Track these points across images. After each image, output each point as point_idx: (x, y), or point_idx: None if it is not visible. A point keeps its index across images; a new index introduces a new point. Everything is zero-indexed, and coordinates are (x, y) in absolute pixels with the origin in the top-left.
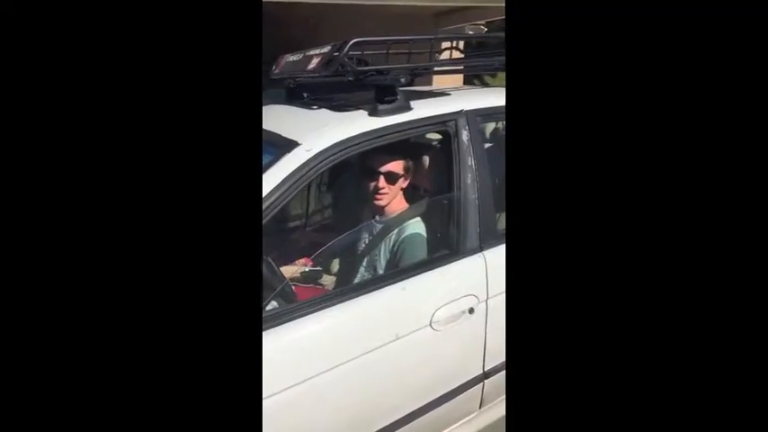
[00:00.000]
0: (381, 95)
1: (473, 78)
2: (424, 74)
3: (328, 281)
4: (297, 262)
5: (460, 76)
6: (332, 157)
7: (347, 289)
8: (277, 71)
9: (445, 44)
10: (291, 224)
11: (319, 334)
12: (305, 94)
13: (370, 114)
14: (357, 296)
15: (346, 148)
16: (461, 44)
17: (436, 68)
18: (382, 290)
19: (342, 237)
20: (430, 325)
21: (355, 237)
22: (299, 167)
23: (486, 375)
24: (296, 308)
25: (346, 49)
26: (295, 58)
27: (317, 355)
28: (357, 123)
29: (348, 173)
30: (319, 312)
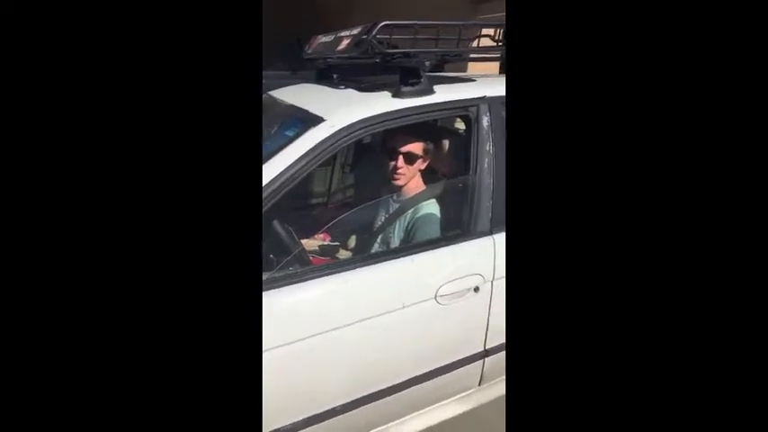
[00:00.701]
0: (405, 78)
1: None
2: (452, 60)
3: (345, 255)
4: (316, 236)
5: (496, 65)
6: (354, 134)
7: (359, 258)
8: (310, 51)
9: (486, 31)
10: (314, 201)
11: (330, 295)
12: (334, 75)
13: (394, 96)
14: (368, 264)
15: (368, 126)
16: (500, 33)
17: (464, 55)
18: (392, 261)
19: (357, 211)
20: (435, 298)
21: (372, 213)
22: (322, 141)
23: (487, 353)
24: (310, 270)
25: (375, 32)
26: (327, 39)
27: (327, 314)
28: (380, 103)
29: (370, 154)
30: (331, 276)
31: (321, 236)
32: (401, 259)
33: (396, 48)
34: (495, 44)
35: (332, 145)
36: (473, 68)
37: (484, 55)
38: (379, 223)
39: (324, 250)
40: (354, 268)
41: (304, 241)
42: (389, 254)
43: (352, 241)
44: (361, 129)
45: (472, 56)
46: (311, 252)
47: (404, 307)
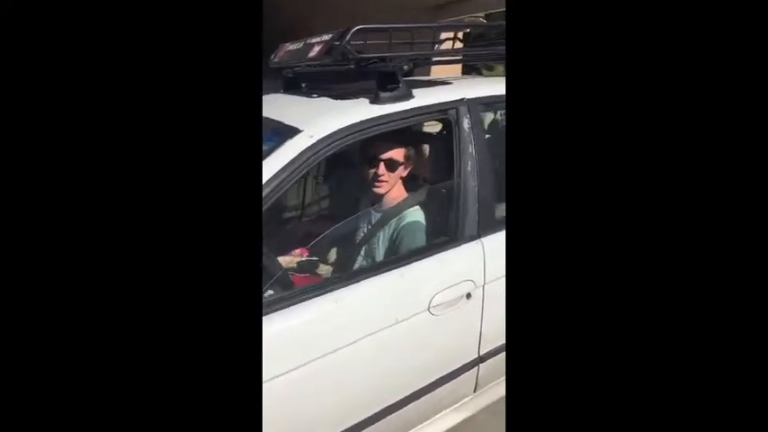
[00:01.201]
0: (383, 83)
1: (471, 70)
2: (426, 63)
3: (325, 270)
4: (292, 252)
5: (459, 67)
6: (334, 144)
7: (346, 275)
8: (276, 60)
9: (446, 34)
10: (287, 215)
11: (319, 319)
12: (303, 84)
13: (372, 102)
14: (356, 282)
15: (348, 135)
16: (461, 35)
17: (438, 57)
18: (381, 276)
19: (338, 225)
20: (428, 309)
21: (353, 226)
22: (301, 153)
23: (482, 359)
24: (294, 294)
25: (348, 37)
26: (295, 47)
27: (318, 339)
28: (359, 111)
29: (345, 164)
30: (318, 298)
31: (298, 251)
32: (390, 272)
33: (364, 53)
34: (462, 45)
35: (312, 157)
36: (436, 72)
37: (456, 57)
38: (362, 235)
39: (302, 267)
40: (342, 287)
41: (280, 258)
42: (377, 268)
43: (332, 255)
44: (341, 138)
45: (446, 58)
46: (289, 270)
47: (397, 322)
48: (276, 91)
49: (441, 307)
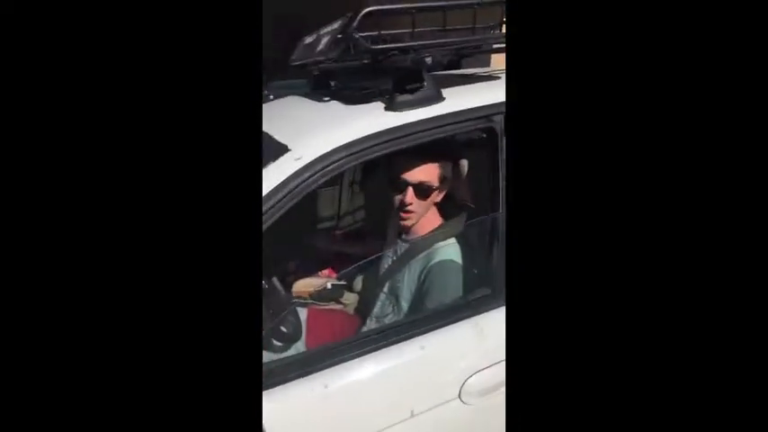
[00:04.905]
0: (402, 83)
1: None
2: (470, 53)
3: (350, 299)
4: (320, 273)
5: None
6: (331, 167)
7: (346, 346)
8: (294, 57)
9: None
10: (321, 226)
11: (306, 409)
12: (332, 83)
13: (387, 108)
14: (358, 356)
15: (351, 155)
16: None
17: (485, 45)
18: (393, 348)
19: (367, 249)
20: (459, 397)
21: (380, 254)
22: (284, 181)
23: None
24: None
25: (356, 23)
26: (310, 40)
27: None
28: (366, 121)
29: (382, 170)
30: (308, 379)
31: (326, 272)
32: (407, 344)
33: (395, 42)
34: None
35: (300, 185)
36: (499, 62)
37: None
38: (386, 267)
39: (325, 295)
40: (341, 362)
41: (306, 281)
42: (388, 336)
43: (359, 282)
44: (341, 159)
45: (496, 46)
46: (312, 297)
47: (413, 416)
48: (303, 92)
49: (476, 394)
